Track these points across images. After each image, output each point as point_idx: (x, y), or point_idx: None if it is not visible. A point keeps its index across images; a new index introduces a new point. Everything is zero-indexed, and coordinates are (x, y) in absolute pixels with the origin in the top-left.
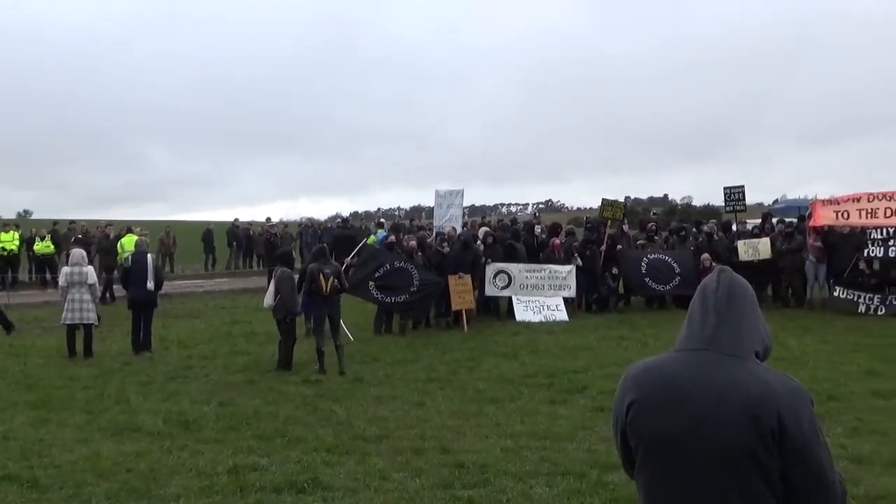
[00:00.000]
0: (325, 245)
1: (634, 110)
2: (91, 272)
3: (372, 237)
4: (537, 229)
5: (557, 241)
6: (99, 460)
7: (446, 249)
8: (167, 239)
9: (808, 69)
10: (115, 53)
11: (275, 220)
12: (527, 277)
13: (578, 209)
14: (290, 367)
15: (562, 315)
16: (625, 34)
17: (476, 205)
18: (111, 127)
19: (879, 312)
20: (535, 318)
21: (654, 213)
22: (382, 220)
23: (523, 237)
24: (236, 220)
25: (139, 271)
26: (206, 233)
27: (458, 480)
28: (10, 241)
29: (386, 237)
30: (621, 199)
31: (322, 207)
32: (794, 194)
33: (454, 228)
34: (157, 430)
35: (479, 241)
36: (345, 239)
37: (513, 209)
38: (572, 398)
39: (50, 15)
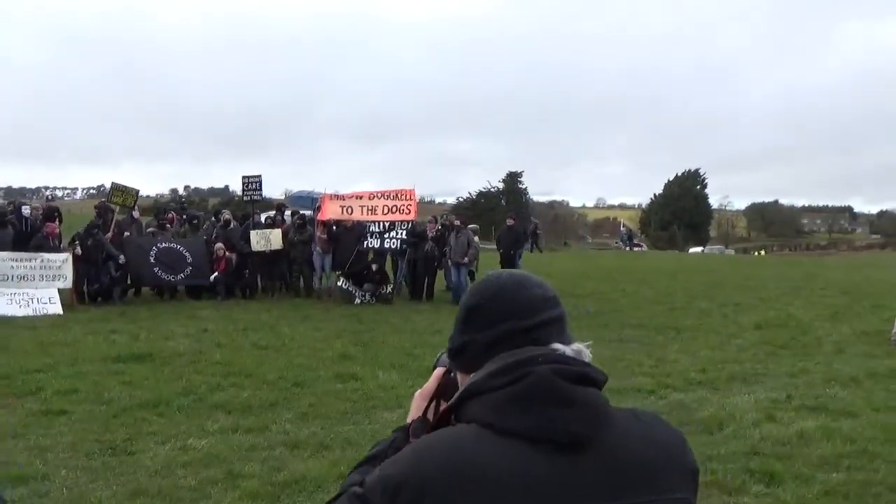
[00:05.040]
0: None
1: (193, 99)
2: None
3: None
4: (26, 211)
5: (53, 226)
6: None
7: None
8: None
9: (358, 67)
10: None
11: None
12: (12, 267)
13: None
14: None
15: (55, 308)
16: (176, 14)
17: (14, 187)
18: None
19: (371, 302)
20: (22, 312)
21: (182, 201)
22: None
23: (10, 221)
24: None
25: None
26: None
27: None
28: None
29: None
30: (130, 187)
31: None
32: (346, 189)
33: None
34: None
35: None
36: None
37: (58, 193)
38: (19, 402)
39: None
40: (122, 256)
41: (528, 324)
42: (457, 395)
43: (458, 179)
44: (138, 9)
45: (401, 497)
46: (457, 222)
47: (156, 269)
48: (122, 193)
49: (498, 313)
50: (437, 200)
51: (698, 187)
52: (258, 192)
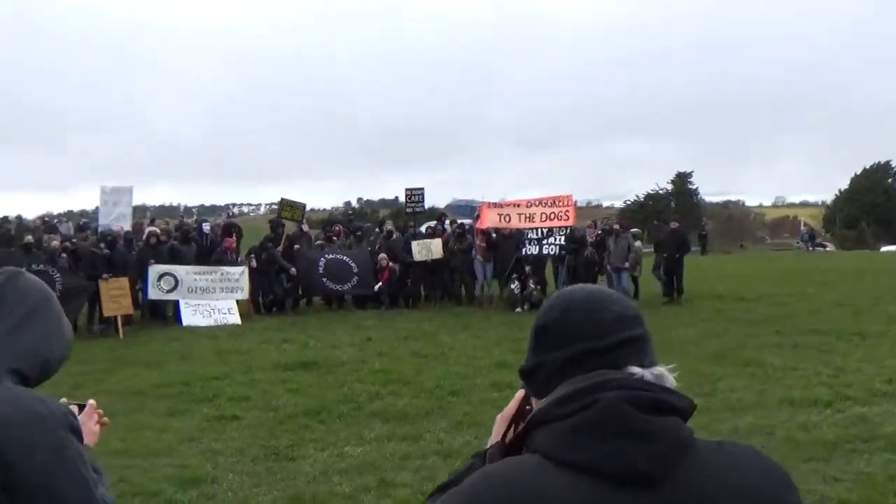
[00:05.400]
0: None
1: (358, 110)
2: None
3: None
4: (206, 227)
5: (231, 241)
6: None
7: (106, 251)
8: None
9: (524, 71)
10: None
11: None
12: (195, 280)
13: (312, 209)
14: None
15: (234, 318)
16: (344, 29)
17: (206, 204)
18: None
19: (526, 308)
20: (205, 323)
21: (350, 213)
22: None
23: (193, 238)
24: None
25: None
26: None
27: None
28: None
29: None
30: (301, 202)
31: (24, 205)
32: (513, 196)
33: (123, 228)
34: None
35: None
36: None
37: (244, 209)
38: (196, 407)
39: None
40: (292, 268)
41: (601, 345)
42: (525, 422)
43: (625, 182)
44: (312, 30)
45: None
46: (616, 226)
47: (324, 280)
48: (290, 208)
49: (568, 333)
50: (605, 204)
51: (889, 180)
52: (420, 204)
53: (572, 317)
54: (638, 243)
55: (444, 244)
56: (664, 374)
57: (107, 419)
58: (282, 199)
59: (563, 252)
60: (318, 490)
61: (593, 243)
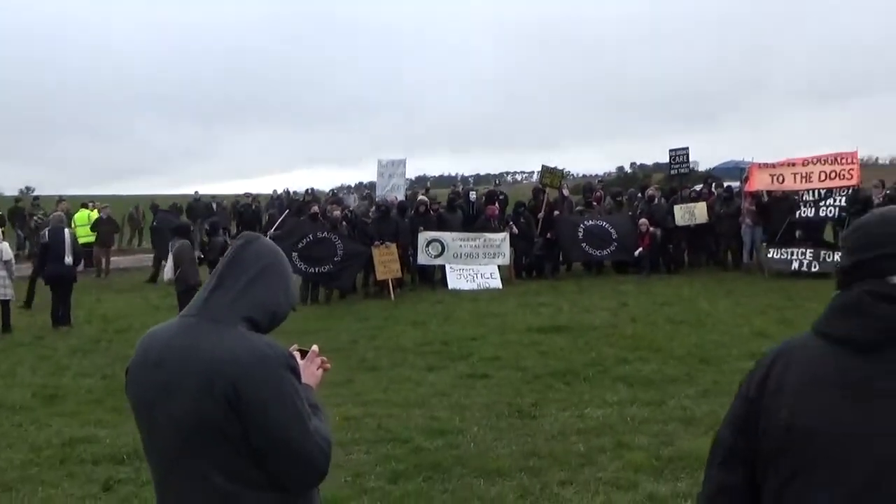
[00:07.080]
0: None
1: (632, 73)
2: (6, 249)
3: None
4: (472, 196)
5: (493, 208)
6: None
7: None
8: (136, 214)
9: (808, 24)
10: (94, 26)
11: (276, 190)
12: (460, 246)
13: (584, 176)
14: None
15: (496, 283)
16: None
17: (481, 174)
18: (105, 101)
19: (813, 269)
20: (468, 287)
21: (599, 181)
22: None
23: (459, 205)
24: (196, 192)
25: (56, 246)
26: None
27: None
28: None
29: None
30: (630, 167)
31: (319, 178)
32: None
33: (397, 198)
34: (21, 405)
35: (410, 210)
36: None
37: (517, 177)
38: (452, 365)
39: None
40: (548, 233)
41: (870, 256)
42: None
43: None
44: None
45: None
46: None
47: (583, 245)
48: (550, 174)
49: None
50: None
51: None
52: (685, 165)
53: (859, 232)
54: None
55: (710, 208)
56: None
57: (328, 365)
58: (542, 166)
59: (844, 214)
60: (555, 447)
61: (880, 205)
